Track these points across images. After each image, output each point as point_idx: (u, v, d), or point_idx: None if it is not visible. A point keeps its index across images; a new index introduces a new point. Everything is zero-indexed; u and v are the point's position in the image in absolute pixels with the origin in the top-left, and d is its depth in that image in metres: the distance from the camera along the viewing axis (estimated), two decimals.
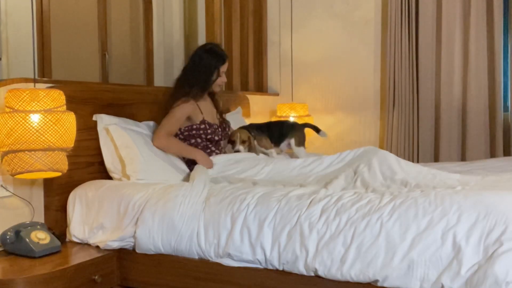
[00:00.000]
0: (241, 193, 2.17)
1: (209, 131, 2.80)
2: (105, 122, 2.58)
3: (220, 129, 2.90)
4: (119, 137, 2.55)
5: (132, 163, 2.51)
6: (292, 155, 3.12)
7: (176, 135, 2.77)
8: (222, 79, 2.87)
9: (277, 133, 3.14)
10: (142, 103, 2.92)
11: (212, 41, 3.81)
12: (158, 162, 2.60)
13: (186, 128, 2.77)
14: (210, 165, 2.67)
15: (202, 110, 2.81)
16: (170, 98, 2.77)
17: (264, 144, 3.05)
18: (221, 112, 3.00)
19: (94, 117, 2.58)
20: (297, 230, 1.95)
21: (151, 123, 2.88)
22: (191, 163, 2.75)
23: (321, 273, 1.88)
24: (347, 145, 4.16)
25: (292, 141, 3.14)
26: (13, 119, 2.00)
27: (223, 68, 2.85)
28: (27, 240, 2.12)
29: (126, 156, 2.52)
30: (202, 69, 2.79)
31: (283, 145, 3.16)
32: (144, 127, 2.78)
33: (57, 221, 2.43)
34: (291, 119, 4.01)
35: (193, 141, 2.78)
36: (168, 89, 2.90)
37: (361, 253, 1.82)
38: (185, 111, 2.73)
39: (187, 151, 2.74)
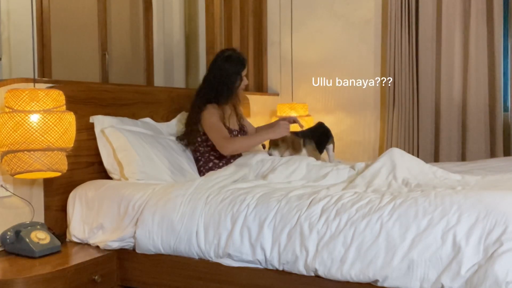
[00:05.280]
0: (241, 193, 2.17)
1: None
2: (101, 124, 2.59)
3: (240, 135, 2.91)
4: (115, 139, 2.55)
5: (130, 165, 2.51)
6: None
7: (196, 138, 2.80)
8: (244, 83, 2.90)
9: (323, 141, 3.08)
10: (142, 103, 2.92)
11: (213, 42, 3.82)
12: (157, 162, 2.61)
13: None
14: (284, 131, 2.69)
15: (224, 116, 2.84)
16: (193, 110, 2.81)
17: (315, 155, 2.95)
18: (240, 117, 2.99)
19: (91, 119, 2.58)
20: (297, 230, 1.95)
21: (147, 119, 2.89)
22: (203, 168, 2.80)
23: (321, 273, 1.88)
24: (347, 145, 4.16)
25: (331, 146, 3.12)
26: (13, 119, 2.00)
27: (244, 72, 2.89)
28: (27, 240, 2.12)
29: (123, 158, 2.53)
30: (224, 78, 2.81)
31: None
32: (142, 125, 2.78)
33: (57, 221, 2.43)
34: None
35: (210, 142, 2.79)
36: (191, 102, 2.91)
37: (361, 253, 1.82)
38: (216, 113, 2.77)
39: (258, 140, 2.74)
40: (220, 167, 2.74)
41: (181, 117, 3.08)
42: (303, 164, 2.56)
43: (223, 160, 2.81)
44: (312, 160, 2.63)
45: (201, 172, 2.80)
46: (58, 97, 2.11)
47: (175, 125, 3.02)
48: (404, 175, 2.30)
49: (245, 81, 2.90)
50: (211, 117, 2.75)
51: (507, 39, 3.69)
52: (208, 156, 2.82)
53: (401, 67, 3.84)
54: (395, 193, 2.01)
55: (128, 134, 2.60)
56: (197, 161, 2.85)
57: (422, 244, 1.75)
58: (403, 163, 2.37)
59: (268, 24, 4.44)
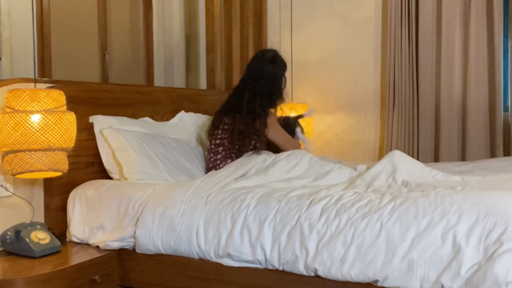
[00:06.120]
0: (241, 193, 2.18)
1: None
2: (101, 124, 2.59)
3: None
4: (114, 140, 2.55)
5: (129, 166, 2.51)
6: None
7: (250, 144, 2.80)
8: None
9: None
10: (142, 103, 2.92)
11: (213, 42, 3.82)
12: (157, 162, 2.60)
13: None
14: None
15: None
16: (256, 116, 2.76)
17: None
18: None
19: (90, 119, 2.59)
20: (297, 230, 1.96)
21: (147, 119, 2.88)
22: (221, 162, 2.80)
23: (321, 273, 1.88)
24: (347, 145, 4.16)
25: (299, 129, 3.14)
26: (14, 119, 2.00)
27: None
28: (27, 240, 2.12)
29: (121, 158, 2.53)
30: (276, 81, 2.86)
31: None
32: (142, 125, 2.78)
33: (57, 221, 2.43)
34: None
35: (239, 143, 2.77)
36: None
37: (361, 253, 1.83)
38: (275, 116, 2.89)
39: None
40: None
41: (183, 117, 3.09)
42: (304, 159, 2.56)
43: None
44: (313, 156, 2.64)
45: (214, 168, 2.79)
46: (58, 97, 2.11)
47: (188, 128, 3.05)
48: (404, 178, 2.30)
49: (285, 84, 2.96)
50: (276, 121, 2.86)
51: (507, 39, 3.69)
52: (229, 153, 2.79)
53: (401, 67, 3.84)
54: (395, 193, 2.01)
55: (127, 135, 2.60)
56: (215, 153, 2.82)
57: (422, 244, 1.75)
58: (404, 166, 2.37)
59: (268, 24, 4.44)
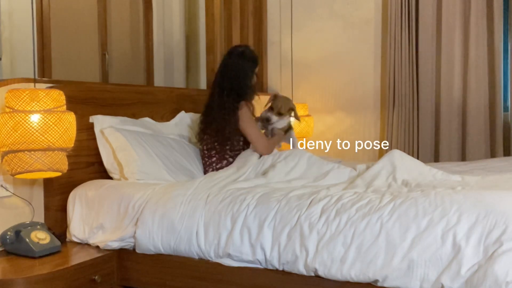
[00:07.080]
0: (241, 193, 2.17)
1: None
2: (101, 124, 2.59)
3: None
4: (114, 140, 2.56)
5: (129, 165, 2.51)
6: None
7: (234, 138, 2.80)
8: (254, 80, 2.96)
9: None
10: (142, 103, 2.92)
11: (213, 42, 3.82)
12: (157, 162, 2.60)
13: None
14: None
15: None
16: (226, 109, 2.77)
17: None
18: None
19: (91, 119, 2.59)
20: (297, 230, 1.95)
21: (147, 119, 2.88)
22: (216, 165, 2.80)
23: (321, 273, 1.88)
24: (347, 145, 4.16)
25: (293, 132, 3.18)
26: (13, 119, 2.00)
27: (257, 70, 2.95)
28: (27, 240, 2.12)
29: (122, 158, 2.53)
30: (239, 74, 2.83)
31: None
32: (142, 125, 2.78)
33: (57, 221, 2.43)
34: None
35: (230, 141, 2.79)
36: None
37: (361, 253, 1.83)
38: (249, 110, 2.84)
39: (277, 142, 2.99)
40: None
41: (183, 117, 3.09)
42: (303, 159, 2.56)
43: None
44: (311, 154, 2.64)
45: (211, 169, 2.80)
46: (58, 97, 2.11)
47: (187, 128, 3.03)
48: (404, 177, 2.30)
49: (254, 79, 2.94)
50: (248, 114, 2.81)
51: (507, 39, 3.69)
52: (223, 155, 2.81)
53: (401, 67, 3.84)
54: (395, 193, 2.01)
55: (127, 134, 2.60)
56: (209, 157, 2.83)
57: (422, 244, 1.75)
58: (403, 165, 2.38)
59: (268, 24, 4.44)
